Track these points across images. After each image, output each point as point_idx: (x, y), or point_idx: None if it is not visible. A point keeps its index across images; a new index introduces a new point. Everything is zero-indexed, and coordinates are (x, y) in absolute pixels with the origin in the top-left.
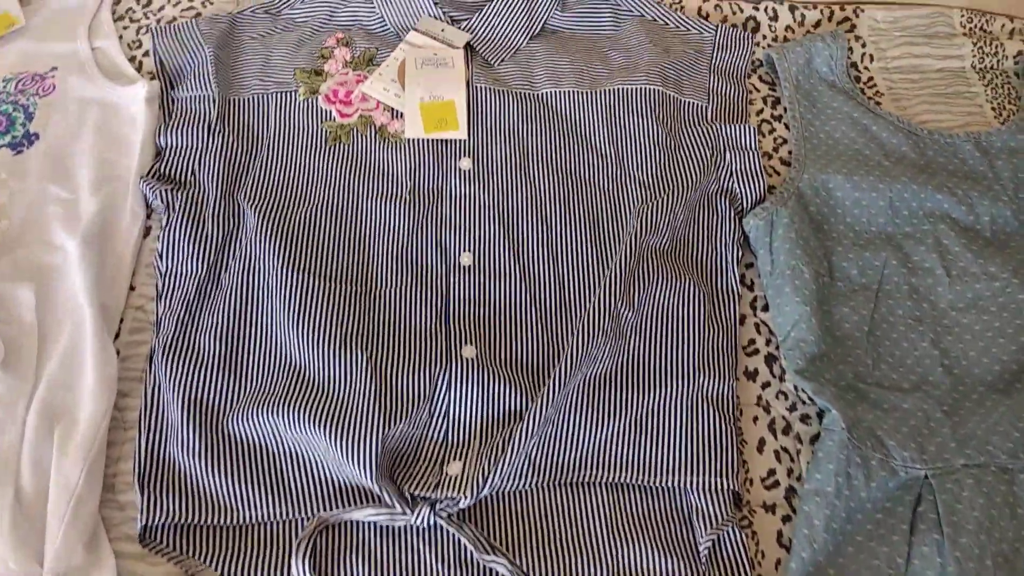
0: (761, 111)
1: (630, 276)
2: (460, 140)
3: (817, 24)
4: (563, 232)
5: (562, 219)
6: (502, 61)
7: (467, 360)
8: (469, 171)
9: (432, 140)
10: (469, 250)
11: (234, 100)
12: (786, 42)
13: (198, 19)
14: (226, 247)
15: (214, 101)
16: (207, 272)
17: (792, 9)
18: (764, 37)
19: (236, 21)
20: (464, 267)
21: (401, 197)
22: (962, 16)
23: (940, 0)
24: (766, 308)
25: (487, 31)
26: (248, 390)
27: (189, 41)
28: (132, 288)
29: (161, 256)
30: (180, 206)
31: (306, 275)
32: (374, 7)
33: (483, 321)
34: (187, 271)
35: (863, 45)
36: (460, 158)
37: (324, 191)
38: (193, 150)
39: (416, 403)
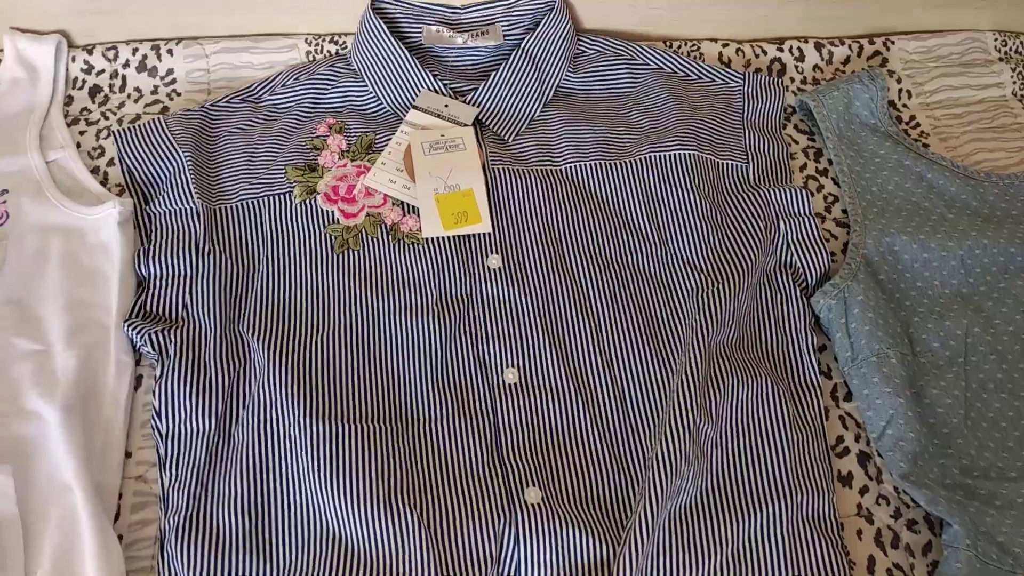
0: (804, 166)
1: (703, 383)
2: (485, 234)
3: (846, 60)
4: (614, 331)
5: (611, 316)
6: (516, 135)
7: (532, 507)
8: (499, 270)
9: (453, 237)
10: (513, 364)
11: (220, 211)
12: (819, 85)
13: (166, 116)
14: (234, 394)
15: (198, 215)
16: (216, 428)
17: (818, 47)
18: (792, 80)
19: (210, 114)
20: (509, 385)
21: (428, 309)
22: (995, 40)
23: (970, 23)
24: (848, 397)
25: (496, 102)
26: (281, 571)
27: (159, 145)
28: (128, 454)
29: (160, 415)
30: (175, 350)
31: (331, 420)
32: (365, 84)
33: (542, 452)
34: (193, 430)
35: (898, 80)
36: (488, 255)
37: (338, 311)
38: (182, 278)
39: (482, 568)
